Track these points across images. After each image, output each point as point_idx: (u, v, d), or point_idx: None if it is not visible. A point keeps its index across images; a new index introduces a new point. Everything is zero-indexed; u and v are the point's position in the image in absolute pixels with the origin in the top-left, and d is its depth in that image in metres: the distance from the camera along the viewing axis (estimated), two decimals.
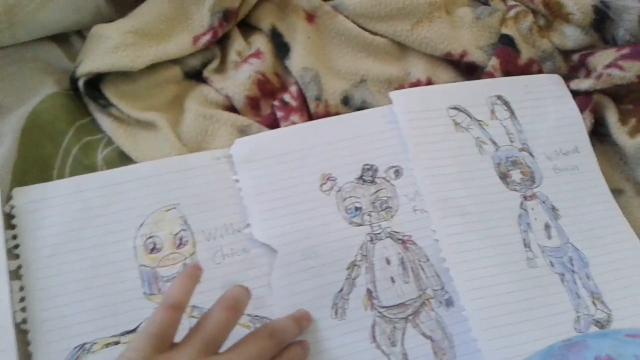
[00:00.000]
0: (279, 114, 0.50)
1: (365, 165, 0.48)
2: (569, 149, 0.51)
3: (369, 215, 0.46)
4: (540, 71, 0.55)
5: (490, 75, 0.54)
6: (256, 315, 0.42)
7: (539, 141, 0.51)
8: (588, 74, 0.54)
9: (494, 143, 0.50)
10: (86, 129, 0.48)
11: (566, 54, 0.56)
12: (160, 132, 0.47)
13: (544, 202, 0.48)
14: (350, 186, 0.47)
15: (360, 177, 0.47)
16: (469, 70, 0.55)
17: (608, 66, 0.52)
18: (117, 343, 0.40)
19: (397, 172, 0.48)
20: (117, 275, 0.42)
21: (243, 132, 0.49)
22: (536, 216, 0.48)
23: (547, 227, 0.48)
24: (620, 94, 0.54)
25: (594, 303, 0.45)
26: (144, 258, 0.42)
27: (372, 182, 0.47)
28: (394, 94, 0.50)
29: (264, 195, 0.45)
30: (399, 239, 0.45)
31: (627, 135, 0.52)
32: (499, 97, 0.52)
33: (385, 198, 0.47)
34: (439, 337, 0.42)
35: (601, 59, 0.54)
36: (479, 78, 0.54)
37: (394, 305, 0.43)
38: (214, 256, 0.43)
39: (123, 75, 0.49)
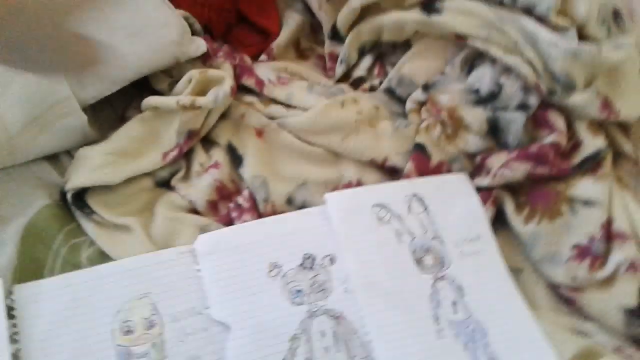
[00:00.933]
0: (233, 214, 0.61)
1: (305, 254, 0.58)
2: (473, 237, 0.63)
3: (308, 296, 0.56)
4: (449, 171, 0.67)
5: (408, 176, 0.66)
6: None
7: (448, 231, 0.62)
8: (487, 173, 0.67)
9: (411, 234, 0.61)
10: (73, 233, 0.58)
11: (470, 156, 0.68)
12: (134, 234, 0.58)
13: (452, 282, 0.59)
14: (293, 272, 0.57)
15: (301, 265, 0.58)
16: (391, 172, 0.67)
17: (501, 167, 0.65)
18: None
19: (332, 260, 0.58)
20: (99, 354, 0.50)
21: (204, 230, 0.59)
22: (445, 294, 0.58)
23: (454, 303, 0.58)
24: (515, 188, 0.67)
25: None
26: (120, 339, 0.51)
27: (311, 268, 0.58)
28: (328, 196, 0.62)
29: (222, 281, 0.55)
30: (332, 316, 0.55)
31: (522, 222, 0.63)
32: (415, 195, 0.64)
33: (322, 281, 0.57)
34: None
35: (496, 160, 0.66)
36: (399, 178, 0.66)
37: None
38: (179, 335, 0.52)
39: (104, 188, 0.59)
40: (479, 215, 0.64)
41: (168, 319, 0.53)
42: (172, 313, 0.53)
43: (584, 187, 0.64)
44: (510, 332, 0.57)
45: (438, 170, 0.67)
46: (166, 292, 0.54)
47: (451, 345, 0.55)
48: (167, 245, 0.58)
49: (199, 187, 0.62)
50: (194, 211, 0.62)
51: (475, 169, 0.68)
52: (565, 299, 0.61)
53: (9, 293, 0.52)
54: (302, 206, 0.63)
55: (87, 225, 0.59)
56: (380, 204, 0.62)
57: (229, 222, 0.61)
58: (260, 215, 0.62)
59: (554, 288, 0.62)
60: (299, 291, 0.56)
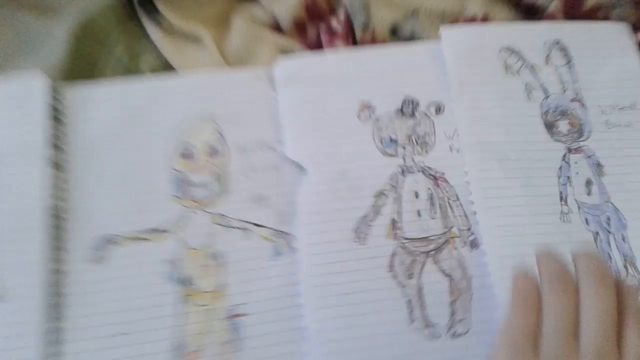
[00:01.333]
0: (324, 38, 0.49)
1: (406, 98, 0.47)
2: (626, 105, 0.48)
3: (404, 148, 0.45)
4: (606, 18, 0.52)
5: (552, 18, 0.51)
6: (279, 230, 0.43)
7: (595, 93, 0.48)
8: None
9: (545, 90, 0.48)
10: (136, 37, 0.49)
11: (637, 2, 0.52)
12: (204, 46, 0.48)
13: (589, 157, 0.46)
14: (388, 117, 0.46)
15: (400, 110, 0.46)
16: (528, 11, 0.53)
17: None
18: (144, 239, 0.41)
19: (439, 109, 0.46)
20: (150, 176, 0.43)
21: (286, 53, 0.49)
22: (578, 170, 0.46)
23: (588, 183, 0.46)
24: None
25: (625, 267, 0.43)
26: (177, 163, 0.44)
27: (412, 115, 0.46)
28: (444, 29, 0.48)
29: (301, 115, 0.45)
30: (431, 175, 0.45)
31: None
32: (558, 42, 0.49)
33: (423, 133, 0.46)
34: (458, 277, 0.42)
35: None
36: (538, 20, 0.51)
37: (418, 238, 0.43)
38: (245, 169, 0.44)
39: None
40: (637, 77, 0.49)
41: (234, 148, 0.45)
42: (239, 143, 0.45)
43: None
44: None
45: (592, 14, 0.52)
46: (236, 118, 0.45)
47: (578, 232, 0.43)
48: (241, 65, 0.48)
49: (287, 2, 0.50)
50: (278, 29, 0.51)
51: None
52: None
53: (56, 94, 0.44)
54: (409, 39, 0.51)
55: (153, 31, 0.49)
56: (511, 48, 0.48)
57: (317, 47, 0.50)
58: (356, 45, 0.50)
59: None
60: (393, 140, 0.45)
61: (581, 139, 0.47)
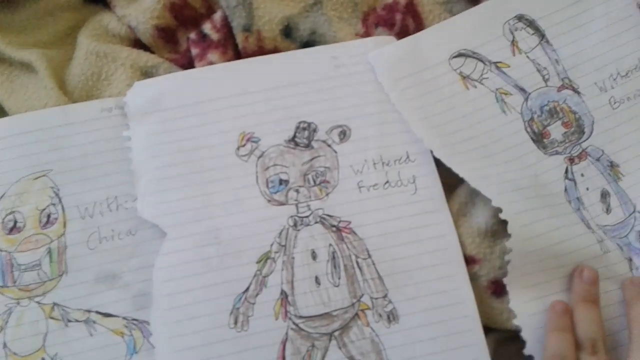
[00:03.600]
0: (194, 50, 0.38)
1: (300, 123, 0.36)
2: (631, 66, 0.36)
3: (297, 191, 0.34)
4: None
5: None
6: (134, 319, 0.32)
7: (585, 67, 0.36)
8: None
9: (522, 90, 0.36)
10: None
11: None
12: (38, 76, 0.37)
13: (598, 159, 0.35)
14: (277, 151, 0.35)
15: (292, 139, 0.35)
16: None
17: None
18: None
19: (343, 134, 0.35)
20: None
21: (148, 74, 0.38)
22: (588, 185, 0.34)
23: (604, 196, 0.34)
24: None
25: None
26: (1, 239, 0.34)
27: (308, 145, 0.35)
28: (373, 57, 0.37)
29: (160, 159, 0.34)
30: (333, 226, 0.34)
31: None
32: (520, 18, 0.37)
33: (322, 169, 0.35)
34: None
35: None
36: None
37: (317, 316, 0.32)
38: (88, 239, 0.34)
39: (8, 3, 0.38)
40: (636, 22, 0.37)
41: (75, 212, 0.34)
42: (81, 204, 0.34)
43: None
44: None
45: None
46: (76, 171, 0.35)
47: (614, 266, 0.33)
48: (88, 97, 0.38)
49: (143, 4, 0.39)
50: (139, 44, 0.39)
51: None
52: None
53: None
54: (308, 41, 0.39)
55: None
56: (463, 52, 0.37)
57: (188, 63, 0.38)
58: (238, 55, 0.38)
59: None
60: (282, 182, 0.34)
61: (583, 139, 0.35)
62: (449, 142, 0.35)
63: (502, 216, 0.32)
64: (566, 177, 0.34)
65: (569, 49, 0.37)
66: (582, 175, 0.35)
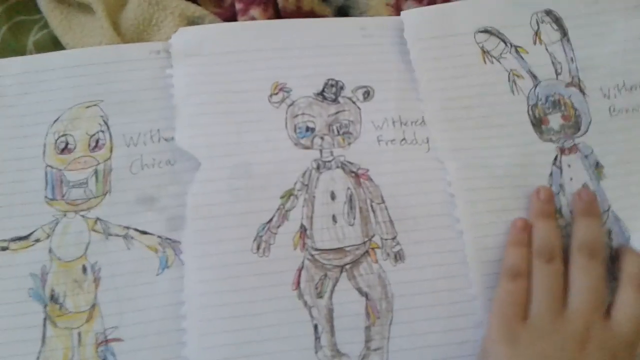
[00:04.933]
0: (238, 5, 0.41)
1: (329, 80, 0.39)
2: (636, 82, 0.40)
3: (322, 138, 0.38)
4: None
5: None
6: (167, 238, 0.36)
7: (596, 72, 0.40)
8: None
9: (534, 76, 0.39)
10: (19, 7, 0.42)
11: None
12: (95, 17, 0.41)
13: (586, 156, 0.38)
14: (306, 101, 0.38)
15: (321, 93, 0.39)
16: None
17: None
18: (4, 249, 0.35)
19: (367, 94, 0.39)
20: (20, 174, 0.37)
21: (194, 24, 0.41)
22: (572, 175, 0.38)
23: (584, 188, 0.38)
24: None
25: None
26: (52, 158, 0.37)
27: (334, 100, 0.39)
28: (405, 15, 0.40)
29: (199, 96, 0.38)
30: (352, 172, 0.37)
31: None
32: (549, 13, 0.41)
33: (346, 122, 0.38)
34: (377, 296, 0.35)
35: None
36: None
37: (331, 250, 0.36)
38: (132, 165, 0.37)
39: None
40: None
41: (120, 140, 0.38)
42: (127, 133, 0.38)
43: None
44: None
45: None
46: (124, 104, 0.38)
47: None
48: (139, 40, 0.41)
49: None
50: None
51: None
52: None
53: None
54: (343, 7, 0.43)
55: None
56: (489, 29, 0.40)
57: (232, 16, 0.42)
58: (278, 14, 0.42)
59: None
60: (309, 129, 0.38)
61: (577, 135, 0.38)
62: (450, 106, 0.38)
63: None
64: (554, 163, 0.38)
65: (585, 52, 0.40)
66: (569, 166, 0.38)
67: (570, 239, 0.35)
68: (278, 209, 0.36)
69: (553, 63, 0.40)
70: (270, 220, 0.36)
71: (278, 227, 0.36)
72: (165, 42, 0.40)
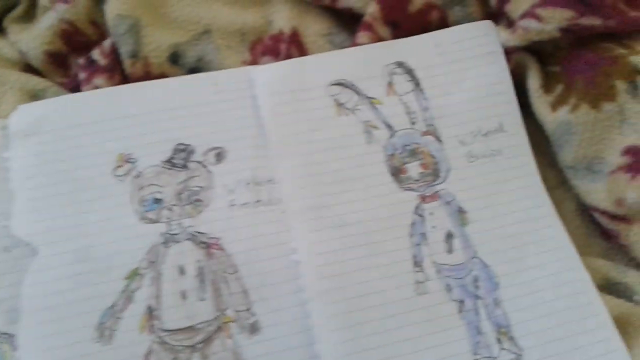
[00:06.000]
0: (81, 75, 0.40)
1: (178, 144, 0.37)
2: (491, 128, 0.39)
3: (170, 209, 0.36)
4: (443, 20, 0.42)
5: (369, 28, 0.41)
6: (4, 333, 0.33)
7: (451, 120, 0.39)
8: (506, 25, 0.41)
9: (389, 127, 0.38)
10: None
11: None
12: None
13: (448, 203, 0.37)
14: (154, 171, 0.37)
15: (169, 160, 0.37)
16: (348, 19, 0.43)
17: (524, 15, 0.39)
18: None
19: (219, 156, 0.37)
20: None
21: (37, 97, 0.40)
22: (435, 223, 0.36)
23: (448, 237, 0.36)
24: (545, 52, 0.41)
25: (499, 340, 0.34)
26: None
27: (184, 166, 0.37)
28: (254, 71, 0.39)
29: (36, 179, 0.36)
30: (203, 242, 0.35)
31: (550, 107, 0.39)
32: (400, 65, 0.40)
33: (197, 188, 0.36)
34: None
35: (518, 4, 0.40)
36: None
37: (181, 329, 0.33)
38: None
39: None
40: (505, 92, 0.40)
41: None
42: None
43: None
44: (537, 281, 0.35)
45: (423, 17, 0.42)
46: None
47: (436, 306, 0.34)
48: None
49: (33, 31, 0.40)
50: (31, 69, 0.41)
51: (489, 17, 0.42)
52: (604, 231, 0.38)
53: None
54: (196, 67, 0.41)
55: None
56: (343, 82, 0.39)
57: (76, 87, 0.40)
58: (125, 81, 0.40)
59: (587, 213, 0.39)
60: (157, 201, 0.36)
61: (437, 182, 0.37)
62: (304, 162, 0.37)
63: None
64: (416, 212, 0.37)
65: (438, 100, 0.39)
66: (432, 214, 0.37)
67: None
68: (123, 291, 0.34)
69: (407, 113, 0.39)
70: (114, 304, 0.33)
71: (122, 311, 0.33)
72: (3, 120, 0.37)
